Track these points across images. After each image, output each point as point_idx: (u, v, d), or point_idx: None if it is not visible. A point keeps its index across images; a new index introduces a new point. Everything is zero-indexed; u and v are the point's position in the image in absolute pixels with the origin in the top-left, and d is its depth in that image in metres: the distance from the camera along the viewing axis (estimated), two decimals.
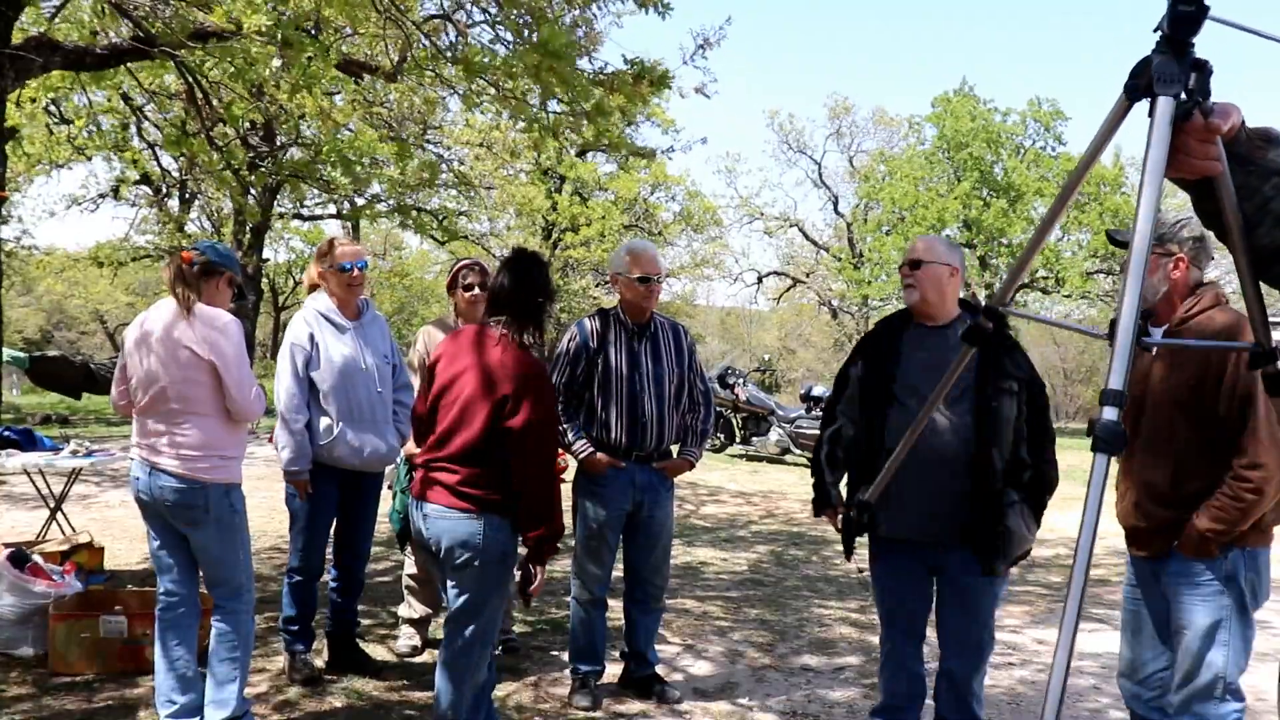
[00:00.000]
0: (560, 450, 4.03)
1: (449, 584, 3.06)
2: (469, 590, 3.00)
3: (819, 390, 13.32)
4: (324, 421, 3.95)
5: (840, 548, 3.43)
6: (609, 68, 5.82)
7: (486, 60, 5.48)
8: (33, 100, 8.24)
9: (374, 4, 5.61)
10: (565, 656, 4.18)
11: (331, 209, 21.55)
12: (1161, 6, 1.43)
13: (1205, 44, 1.44)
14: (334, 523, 4.16)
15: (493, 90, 5.90)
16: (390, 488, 4.50)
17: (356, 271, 4.08)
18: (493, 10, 6.13)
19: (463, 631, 3.04)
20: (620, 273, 3.91)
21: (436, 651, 3.88)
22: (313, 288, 4.19)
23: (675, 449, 4.13)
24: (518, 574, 3.11)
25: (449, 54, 5.82)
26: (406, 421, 4.12)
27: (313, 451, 3.94)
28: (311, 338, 3.97)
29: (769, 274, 33.01)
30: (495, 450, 2.95)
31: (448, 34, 6.29)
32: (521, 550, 3.10)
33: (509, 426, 2.91)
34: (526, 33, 5.60)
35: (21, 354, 12.59)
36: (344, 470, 4.02)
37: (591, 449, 3.87)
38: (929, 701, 3.30)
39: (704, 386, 4.13)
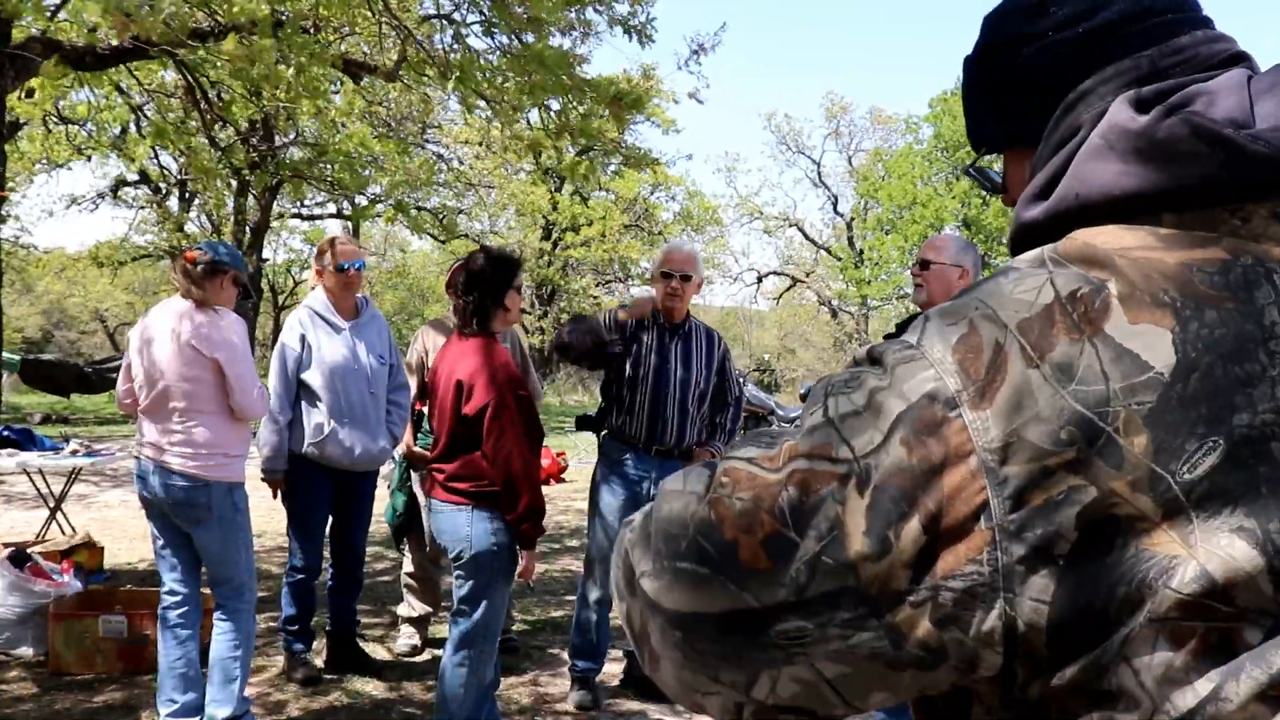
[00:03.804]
0: (553, 454, 4.05)
1: (454, 578, 3.14)
2: (467, 581, 3.08)
3: None
4: (315, 419, 3.94)
5: None
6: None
7: (477, 73, 5.47)
8: (46, 102, 8.21)
9: (368, 4, 5.60)
10: (565, 656, 4.17)
11: (331, 209, 21.57)
12: None
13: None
14: (329, 521, 4.16)
15: (483, 101, 5.90)
16: (389, 487, 4.50)
17: (353, 272, 4.08)
18: (486, 10, 6.11)
19: (464, 624, 3.09)
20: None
21: (436, 651, 3.89)
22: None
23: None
24: (519, 578, 3.15)
25: (436, 60, 5.80)
26: (400, 422, 4.15)
27: (304, 450, 3.94)
28: (303, 339, 3.98)
29: (769, 274, 33.00)
30: (472, 440, 3.02)
31: (444, 36, 6.28)
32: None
33: (466, 413, 3.00)
34: (517, 41, 5.59)
35: (14, 356, 12.51)
36: (338, 469, 4.03)
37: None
38: None
39: (737, 392, 4.22)
